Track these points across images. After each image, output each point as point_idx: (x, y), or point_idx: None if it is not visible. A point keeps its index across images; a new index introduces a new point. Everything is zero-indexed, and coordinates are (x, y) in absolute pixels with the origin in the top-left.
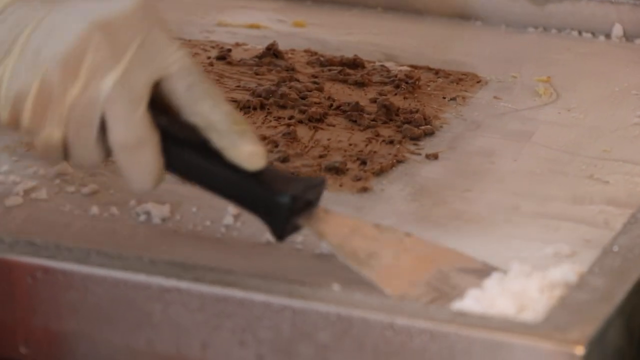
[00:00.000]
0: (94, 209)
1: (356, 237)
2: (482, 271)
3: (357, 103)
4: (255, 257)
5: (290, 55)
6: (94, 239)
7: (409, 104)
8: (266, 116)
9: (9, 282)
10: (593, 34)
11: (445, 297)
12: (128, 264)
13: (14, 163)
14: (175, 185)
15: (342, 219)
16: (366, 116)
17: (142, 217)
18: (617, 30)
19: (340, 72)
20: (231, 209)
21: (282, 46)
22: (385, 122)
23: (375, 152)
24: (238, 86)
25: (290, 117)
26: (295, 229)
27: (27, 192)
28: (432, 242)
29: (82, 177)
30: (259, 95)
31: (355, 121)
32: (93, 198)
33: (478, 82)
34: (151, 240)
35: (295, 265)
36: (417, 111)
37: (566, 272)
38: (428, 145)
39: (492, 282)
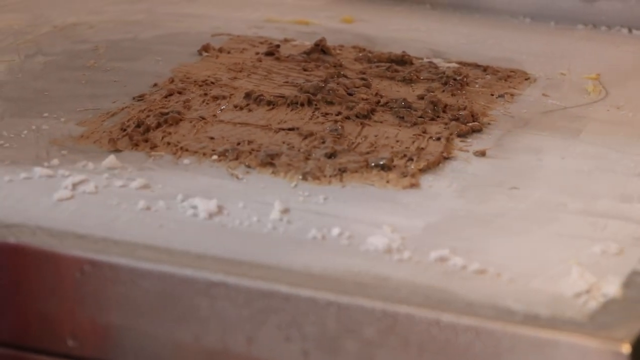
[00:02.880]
0: (142, 203)
1: None
2: None
3: (404, 99)
4: (301, 252)
5: (338, 52)
6: (141, 233)
7: (457, 101)
8: (314, 112)
9: (56, 275)
10: None
11: None
12: (175, 258)
13: (63, 157)
14: (223, 180)
15: None
16: (414, 113)
17: (190, 212)
18: None
19: (388, 68)
20: (278, 205)
21: (330, 42)
22: (432, 119)
23: (422, 148)
24: (286, 82)
25: (338, 114)
26: None
27: (75, 185)
28: None
29: (130, 172)
30: (307, 92)
31: (402, 118)
32: (141, 192)
33: (526, 79)
34: (198, 235)
35: (341, 261)
36: (464, 108)
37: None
38: (476, 142)
39: None
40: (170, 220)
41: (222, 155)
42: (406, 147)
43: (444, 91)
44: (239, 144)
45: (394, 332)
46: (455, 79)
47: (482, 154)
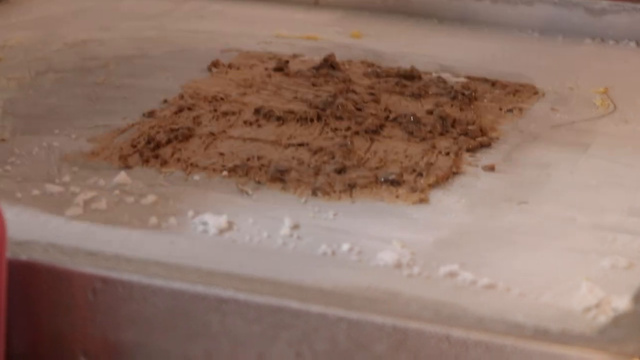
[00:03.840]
0: (153, 220)
1: None
2: None
3: (413, 114)
4: (311, 268)
5: (347, 67)
6: (152, 249)
7: (466, 116)
8: (323, 127)
9: (68, 292)
10: None
11: None
12: (186, 275)
13: (74, 173)
14: (232, 196)
15: None
16: (423, 128)
17: (200, 228)
18: None
19: (396, 83)
20: (288, 221)
21: (338, 57)
22: (441, 134)
23: (431, 163)
24: (295, 97)
25: (347, 129)
26: None
27: (87, 202)
28: None
29: (141, 188)
30: (316, 107)
31: (411, 133)
32: (152, 209)
33: (535, 93)
34: (209, 251)
35: (352, 277)
36: (473, 123)
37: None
38: (484, 157)
39: None
40: (181, 236)
41: (232, 171)
42: (415, 162)
43: (452, 106)
44: (248, 159)
45: (405, 347)
46: (463, 94)
47: (491, 168)
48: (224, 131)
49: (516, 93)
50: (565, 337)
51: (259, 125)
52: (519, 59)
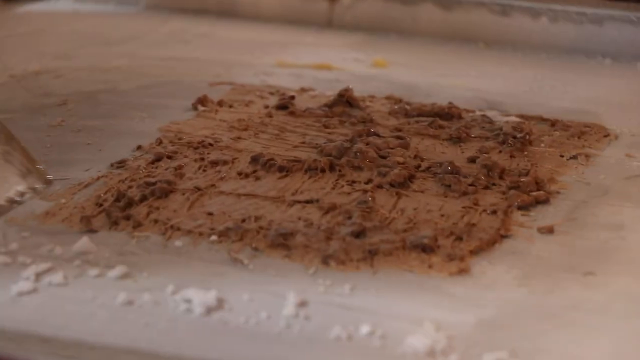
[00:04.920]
0: (123, 297)
1: None
2: None
3: (451, 163)
4: (322, 356)
5: (368, 103)
6: (122, 334)
7: (518, 164)
8: (337, 180)
9: None
10: None
11: None
12: None
13: (24, 240)
14: (223, 267)
15: None
16: (463, 180)
17: (182, 307)
18: None
19: (430, 124)
20: (292, 297)
21: (357, 92)
22: (486, 187)
23: (473, 224)
24: (303, 142)
25: (368, 181)
26: None
27: (39, 275)
28: None
29: (108, 257)
30: (329, 154)
31: (449, 186)
32: (122, 283)
33: (605, 135)
34: (193, 336)
35: None
36: (527, 173)
37: None
38: (541, 216)
39: None
40: (158, 317)
41: (223, 235)
42: (453, 223)
43: (500, 152)
44: (243, 221)
45: None
46: (515, 137)
47: (549, 230)
48: (212, 185)
49: (582, 135)
50: None
51: (257, 178)
52: (586, 92)
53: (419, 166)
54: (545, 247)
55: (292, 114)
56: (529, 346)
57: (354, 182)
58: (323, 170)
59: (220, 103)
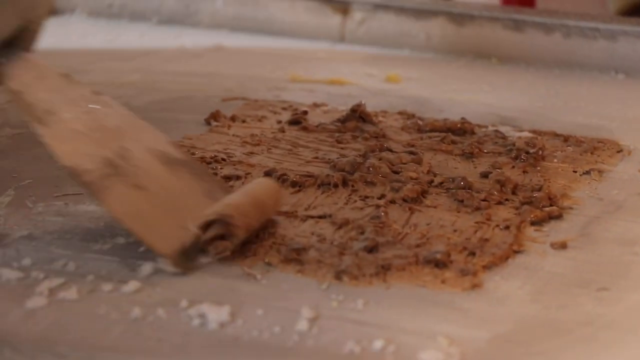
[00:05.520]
0: (136, 312)
1: (41, 86)
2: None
3: (464, 178)
4: None
5: (380, 119)
6: (136, 348)
7: (530, 180)
8: (350, 195)
9: None
10: None
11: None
12: None
13: (37, 253)
14: (236, 282)
15: (33, 63)
16: (475, 195)
17: (196, 322)
18: None
19: (443, 139)
20: (306, 311)
21: (370, 107)
22: (499, 203)
23: (486, 240)
24: (316, 157)
25: (381, 197)
26: None
27: (52, 291)
28: (129, 114)
29: (121, 272)
30: (342, 169)
31: (461, 201)
32: (135, 298)
33: (619, 151)
34: (207, 351)
35: None
36: (540, 189)
37: None
38: (554, 232)
39: None
40: (172, 332)
41: (236, 250)
42: (466, 239)
43: (513, 167)
44: (256, 235)
45: None
46: (527, 152)
47: (562, 246)
48: None
49: (595, 151)
50: None
51: None
52: (599, 107)
53: (432, 181)
54: (558, 262)
55: (304, 129)
56: None
57: (366, 197)
58: (336, 186)
59: (233, 118)
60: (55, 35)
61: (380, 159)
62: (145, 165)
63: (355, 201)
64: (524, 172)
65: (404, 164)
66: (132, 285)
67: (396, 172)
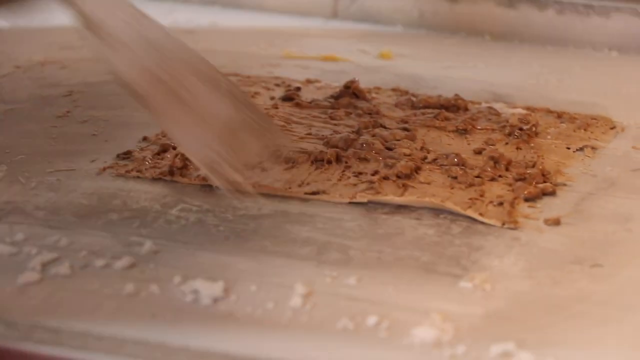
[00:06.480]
0: (129, 287)
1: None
2: None
3: (457, 155)
4: (329, 347)
5: (374, 95)
6: (129, 324)
7: (524, 156)
8: (344, 171)
9: None
10: None
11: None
12: (171, 355)
13: (30, 229)
14: (230, 258)
15: None
16: (469, 171)
17: (189, 297)
18: None
19: (436, 116)
20: (299, 287)
21: (363, 84)
22: (493, 179)
23: (480, 215)
24: (309, 134)
25: (374, 173)
26: None
27: (45, 266)
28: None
29: (114, 248)
30: (335, 145)
31: (455, 178)
32: (128, 274)
33: (612, 128)
34: (200, 326)
35: (379, 358)
36: (533, 165)
37: None
38: (547, 208)
39: None
40: (165, 308)
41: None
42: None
43: (507, 144)
44: None
45: None
46: (521, 129)
47: (555, 222)
48: None
49: (588, 127)
50: None
51: (263, 169)
52: (592, 84)
53: (425, 158)
54: (552, 239)
55: (298, 105)
56: (536, 337)
57: (360, 173)
58: (329, 162)
59: None
60: (49, 11)
61: (373, 136)
62: (194, 89)
63: (349, 177)
64: (517, 148)
65: (398, 140)
66: (125, 260)
67: (390, 149)
